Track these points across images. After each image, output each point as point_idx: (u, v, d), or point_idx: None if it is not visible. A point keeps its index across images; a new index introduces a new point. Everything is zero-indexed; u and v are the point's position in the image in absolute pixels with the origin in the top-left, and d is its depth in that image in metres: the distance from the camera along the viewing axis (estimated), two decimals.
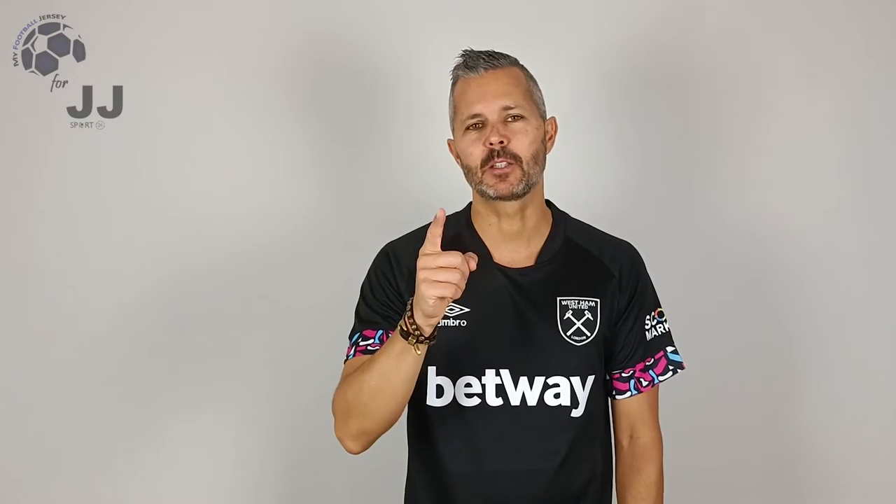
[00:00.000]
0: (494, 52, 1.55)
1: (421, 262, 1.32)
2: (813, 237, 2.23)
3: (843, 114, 2.23)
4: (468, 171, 1.54)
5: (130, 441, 2.21)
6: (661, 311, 1.65)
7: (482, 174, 1.51)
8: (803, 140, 2.23)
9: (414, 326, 1.35)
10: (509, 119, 1.51)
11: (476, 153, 1.51)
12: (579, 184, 2.14)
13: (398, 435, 1.65)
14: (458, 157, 1.59)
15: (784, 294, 2.24)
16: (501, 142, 1.48)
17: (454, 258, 1.31)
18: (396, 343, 1.38)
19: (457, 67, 1.56)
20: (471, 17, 2.20)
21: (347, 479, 2.19)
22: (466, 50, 1.56)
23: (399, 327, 1.38)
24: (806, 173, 2.23)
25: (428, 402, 1.55)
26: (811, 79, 2.23)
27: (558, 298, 1.56)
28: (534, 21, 2.20)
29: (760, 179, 2.23)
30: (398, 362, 1.39)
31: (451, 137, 1.60)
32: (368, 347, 1.55)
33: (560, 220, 1.63)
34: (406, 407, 1.53)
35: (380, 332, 1.56)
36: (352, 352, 1.57)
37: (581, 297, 1.57)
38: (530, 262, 1.58)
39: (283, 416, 2.23)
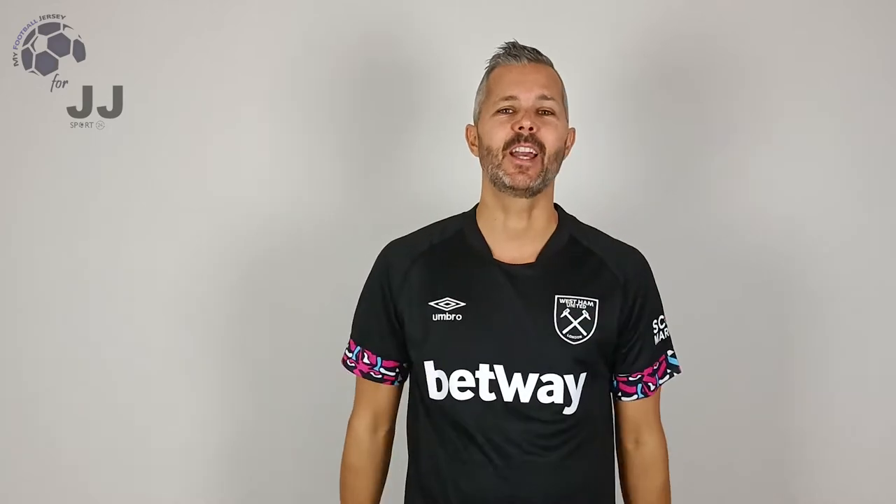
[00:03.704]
0: (537, 49, 1.57)
1: None
2: (816, 238, 2.21)
3: (849, 114, 2.21)
4: (487, 153, 1.54)
5: (129, 440, 2.21)
6: (664, 318, 1.65)
7: (502, 158, 1.51)
8: (809, 141, 2.21)
9: None
10: (541, 111, 1.52)
11: (501, 134, 1.51)
12: (583, 183, 2.12)
13: (400, 431, 1.68)
14: (473, 143, 1.60)
15: (787, 295, 2.22)
16: (531, 128, 1.49)
17: None
18: None
19: (497, 56, 1.58)
20: (475, 20, 2.19)
21: None
22: (509, 42, 1.58)
23: None
24: (811, 174, 2.21)
25: (431, 396, 1.56)
26: (818, 79, 2.21)
27: (556, 296, 1.55)
28: (539, 20, 2.19)
29: (764, 180, 2.22)
30: None
31: (471, 124, 1.62)
32: (347, 363, 1.66)
33: (567, 221, 1.63)
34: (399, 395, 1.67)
35: (357, 349, 1.64)
36: (344, 357, 1.67)
37: (580, 296, 1.56)
38: (531, 259, 1.57)
39: (286, 416, 2.23)
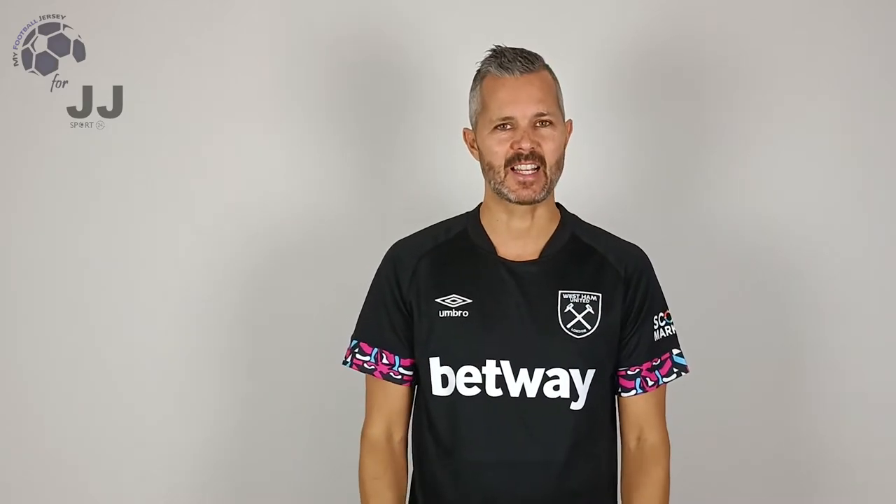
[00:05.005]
0: (527, 52, 1.55)
1: None
2: (818, 238, 2.22)
3: (849, 114, 2.22)
4: (489, 169, 1.55)
5: (130, 440, 2.21)
6: (669, 314, 1.65)
7: (505, 175, 1.52)
8: (809, 141, 2.22)
9: None
10: (539, 124, 1.52)
11: (501, 152, 1.52)
12: (581, 183, 2.11)
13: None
14: (472, 146, 1.61)
15: (789, 295, 2.23)
16: (532, 148, 1.50)
17: None
18: None
19: (488, 63, 1.56)
20: (476, 20, 2.19)
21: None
22: (498, 46, 1.56)
23: None
24: (811, 174, 2.22)
25: (434, 392, 1.57)
26: (818, 79, 2.21)
27: (560, 291, 1.57)
28: (539, 20, 2.19)
29: (764, 180, 2.22)
30: None
31: (468, 127, 1.62)
32: (365, 366, 1.61)
33: (568, 219, 1.65)
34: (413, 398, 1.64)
35: (375, 350, 1.61)
36: (349, 357, 1.64)
37: (583, 290, 1.58)
38: (534, 256, 1.59)
39: (288, 417, 2.22)
